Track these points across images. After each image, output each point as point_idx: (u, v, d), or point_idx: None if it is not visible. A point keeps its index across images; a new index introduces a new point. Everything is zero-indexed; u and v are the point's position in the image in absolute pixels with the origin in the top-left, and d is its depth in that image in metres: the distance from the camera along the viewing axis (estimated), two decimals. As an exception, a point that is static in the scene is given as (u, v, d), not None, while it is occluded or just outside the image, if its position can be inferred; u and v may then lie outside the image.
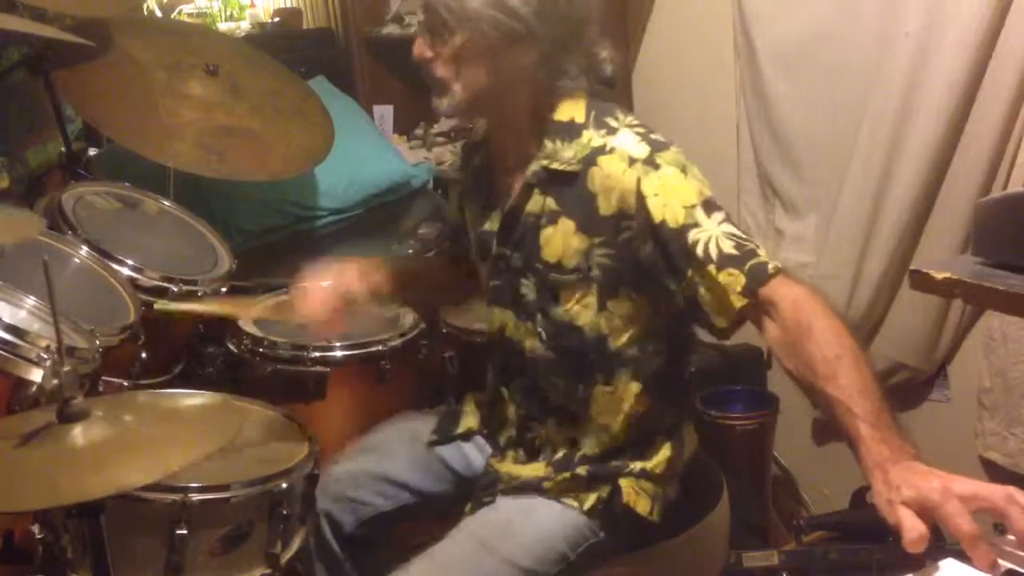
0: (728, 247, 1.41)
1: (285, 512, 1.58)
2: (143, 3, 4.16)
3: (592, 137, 1.52)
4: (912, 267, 1.41)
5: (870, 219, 2.26)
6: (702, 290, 1.42)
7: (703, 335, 1.58)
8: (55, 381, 1.29)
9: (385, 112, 3.34)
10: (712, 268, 1.40)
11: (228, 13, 4.71)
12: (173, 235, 2.32)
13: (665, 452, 1.61)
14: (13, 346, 1.58)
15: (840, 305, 2.22)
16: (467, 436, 1.78)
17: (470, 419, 1.79)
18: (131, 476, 1.25)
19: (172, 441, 1.34)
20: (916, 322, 2.27)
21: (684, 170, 1.47)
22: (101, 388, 1.76)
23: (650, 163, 1.47)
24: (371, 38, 3.49)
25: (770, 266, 1.40)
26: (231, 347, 2.12)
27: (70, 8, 2.49)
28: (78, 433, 1.26)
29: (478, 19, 1.46)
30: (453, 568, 1.52)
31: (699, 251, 1.41)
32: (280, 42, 3.69)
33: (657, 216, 1.44)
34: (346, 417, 2.02)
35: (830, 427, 1.30)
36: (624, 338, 1.56)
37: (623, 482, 1.59)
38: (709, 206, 1.44)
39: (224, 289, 2.20)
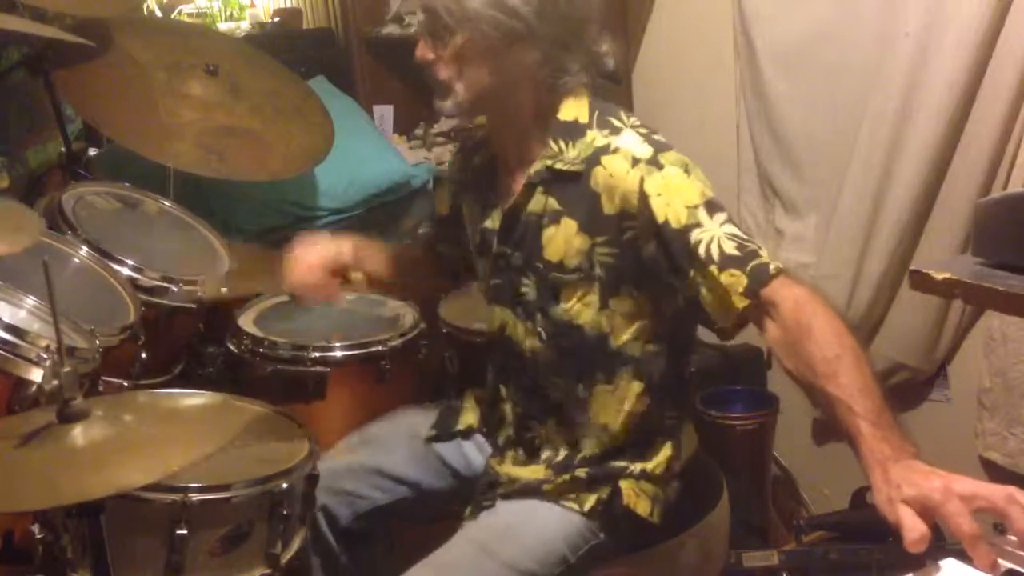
0: (730, 248, 1.41)
1: (285, 512, 1.57)
2: (143, 3, 4.16)
3: (596, 137, 1.52)
4: (912, 267, 1.41)
5: (870, 219, 2.26)
6: (704, 290, 1.42)
7: (704, 335, 1.58)
8: (55, 381, 1.29)
9: (385, 112, 3.33)
10: (714, 269, 1.41)
11: (228, 13, 4.71)
12: (173, 235, 2.32)
13: (665, 452, 1.61)
14: (13, 346, 1.58)
15: (840, 305, 2.22)
16: (467, 434, 1.78)
17: (469, 416, 1.79)
18: (131, 476, 1.25)
19: (172, 441, 1.34)
20: (916, 322, 2.27)
21: (687, 170, 1.47)
22: (101, 388, 1.76)
23: (654, 163, 1.47)
24: (371, 38, 3.49)
25: (772, 267, 1.40)
26: (231, 347, 2.12)
27: (70, 8, 2.50)
28: (78, 433, 1.27)
29: (478, 19, 1.46)
30: (454, 573, 1.52)
31: (701, 251, 1.41)
32: (280, 42, 3.69)
33: (660, 216, 1.44)
34: (346, 417, 2.02)
35: (830, 427, 1.30)
36: (625, 336, 1.56)
37: (623, 484, 1.59)
38: (712, 207, 1.45)
39: (224, 289, 2.19)
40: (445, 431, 1.78)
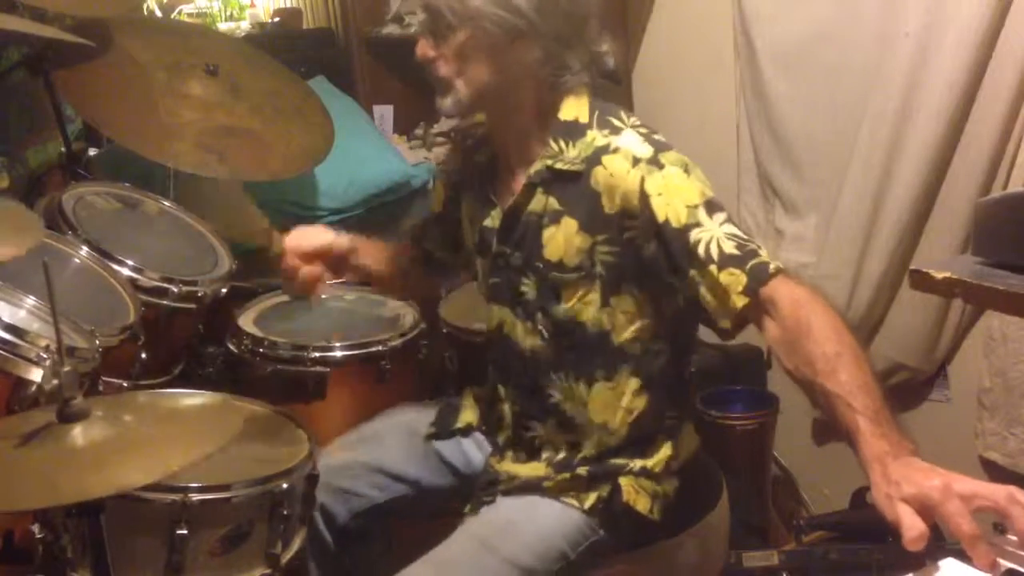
0: (729, 247, 1.41)
1: (285, 512, 1.57)
2: (143, 3, 4.15)
3: (596, 137, 1.52)
4: (912, 267, 1.41)
5: (870, 219, 2.26)
6: (703, 290, 1.42)
7: (704, 335, 1.58)
8: (55, 381, 1.29)
9: (385, 112, 3.33)
10: (713, 268, 1.41)
11: (228, 13, 4.71)
12: (173, 235, 2.32)
13: (665, 451, 1.61)
14: (13, 346, 1.58)
15: (840, 305, 2.21)
16: (466, 431, 1.78)
17: (469, 414, 1.79)
18: (131, 476, 1.25)
19: (172, 441, 1.34)
20: (916, 322, 2.27)
21: (687, 170, 1.48)
22: (101, 388, 1.76)
23: (654, 163, 1.47)
24: (371, 38, 3.49)
25: (771, 266, 1.40)
26: (231, 347, 2.12)
27: (70, 8, 2.49)
28: (78, 433, 1.26)
29: (480, 17, 1.46)
30: (454, 569, 1.52)
31: (700, 251, 1.42)
32: (280, 42, 3.69)
33: (660, 216, 1.44)
34: (346, 417, 2.02)
35: (830, 426, 1.30)
36: (627, 334, 1.56)
37: (623, 481, 1.59)
38: (711, 206, 1.45)
39: (224, 289, 2.20)
40: (444, 429, 1.78)
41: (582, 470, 1.60)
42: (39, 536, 1.50)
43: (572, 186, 1.53)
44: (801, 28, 2.39)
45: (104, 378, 1.78)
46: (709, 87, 2.74)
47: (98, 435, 1.27)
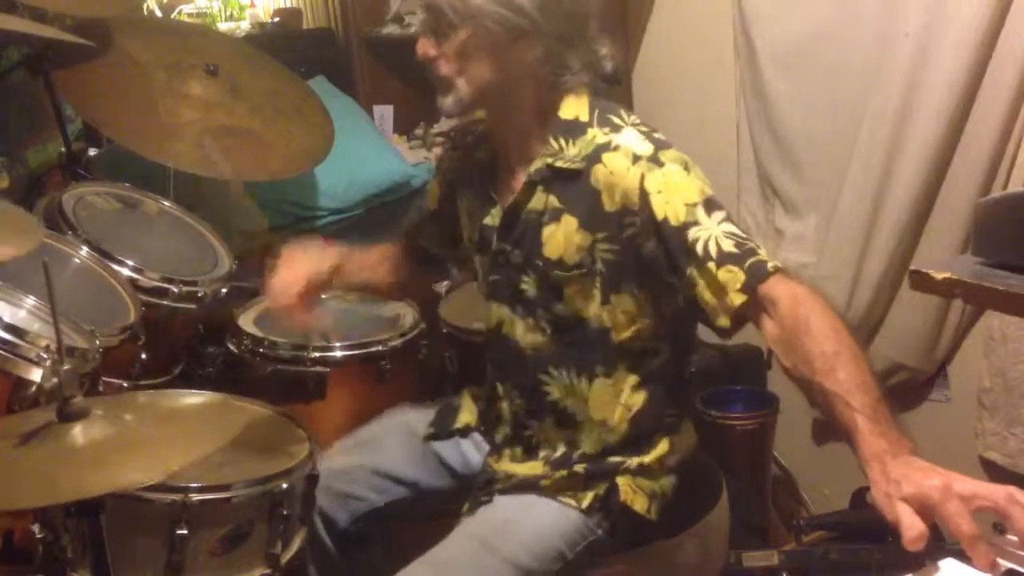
0: (728, 245, 1.41)
1: (285, 512, 1.58)
2: (143, 3, 4.15)
3: (597, 135, 1.53)
4: (912, 267, 1.41)
5: (870, 219, 2.26)
6: (701, 287, 1.42)
7: (704, 335, 1.58)
8: (55, 380, 1.29)
9: (385, 112, 3.34)
10: (712, 266, 1.41)
11: (228, 13, 4.71)
12: (173, 235, 2.32)
13: (661, 447, 1.61)
14: (13, 346, 1.58)
15: (840, 305, 2.22)
16: (464, 432, 1.78)
17: (467, 414, 1.79)
18: (131, 475, 1.25)
19: (172, 441, 1.34)
20: (916, 322, 2.27)
21: (687, 168, 1.48)
22: (101, 388, 1.76)
23: (654, 160, 1.47)
24: (371, 38, 3.49)
25: (769, 265, 1.40)
26: (231, 347, 2.12)
27: (70, 8, 2.49)
28: (78, 432, 1.26)
29: (482, 15, 1.46)
30: (453, 569, 1.52)
31: (699, 249, 1.42)
32: (280, 42, 3.69)
33: (660, 213, 1.44)
34: (346, 417, 2.02)
35: (829, 426, 1.30)
36: (627, 333, 1.56)
37: (620, 480, 1.59)
38: (710, 205, 1.45)
39: (224, 289, 2.20)
40: (443, 430, 1.78)
41: (579, 468, 1.60)
42: (39, 536, 1.51)
43: (572, 184, 1.53)
44: (801, 28, 2.39)
45: (104, 378, 1.78)
46: (709, 87, 2.74)
47: (98, 434, 1.27)
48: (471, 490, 1.68)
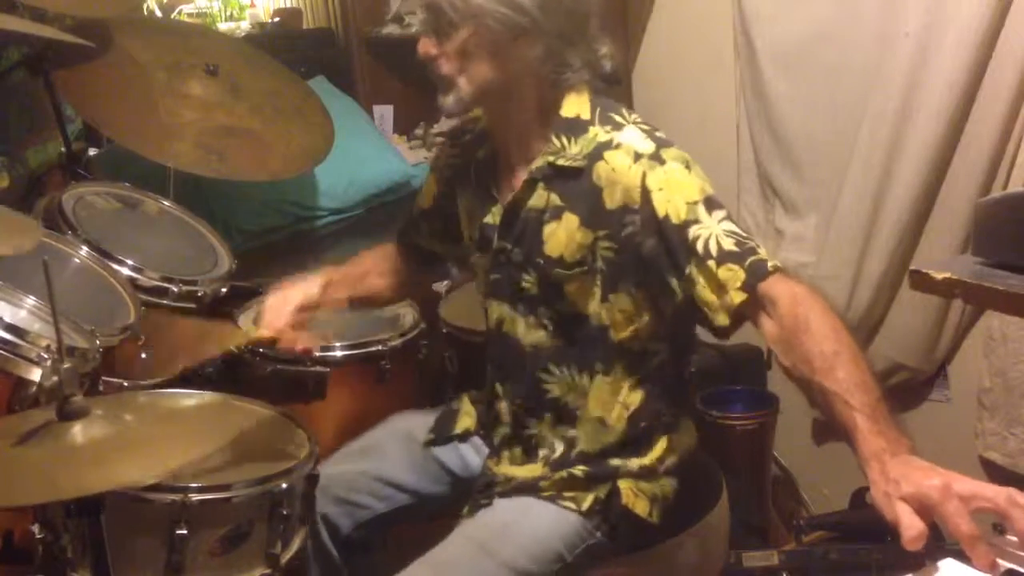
0: (728, 244, 1.42)
1: (285, 512, 1.57)
2: (143, 3, 4.16)
3: (598, 133, 1.53)
4: (912, 267, 1.41)
5: (870, 219, 2.26)
6: (701, 286, 1.43)
7: (705, 335, 1.58)
8: (55, 378, 1.29)
9: (385, 112, 3.34)
10: (712, 264, 1.41)
11: (228, 13, 4.71)
12: (173, 235, 2.32)
13: (660, 447, 1.61)
14: (13, 346, 1.58)
15: (840, 305, 2.22)
16: (464, 437, 1.78)
17: (466, 419, 1.79)
18: (130, 473, 1.25)
19: (171, 440, 1.34)
20: (916, 322, 2.27)
21: (688, 167, 1.48)
22: (101, 388, 1.76)
23: (656, 158, 1.48)
24: (371, 38, 3.49)
25: (769, 264, 1.40)
26: (231, 347, 2.11)
27: (70, 8, 2.50)
28: (77, 431, 1.26)
29: (483, 14, 1.46)
30: (451, 570, 1.52)
31: (699, 247, 1.42)
32: (280, 42, 3.69)
33: (661, 211, 1.45)
34: (346, 417, 2.02)
35: (829, 426, 1.30)
36: (625, 333, 1.56)
37: (622, 483, 1.59)
38: (711, 203, 1.45)
39: (224, 289, 2.19)
40: (443, 435, 1.78)
41: (578, 470, 1.60)
42: (39, 536, 1.50)
43: (573, 182, 1.53)
44: (801, 28, 2.39)
45: (104, 378, 1.78)
46: (709, 87, 2.74)
47: (98, 433, 1.27)
48: (471, 493, 1.67)
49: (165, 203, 2.37)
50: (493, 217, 1.64)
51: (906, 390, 2.34)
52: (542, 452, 1.65)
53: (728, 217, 1.45)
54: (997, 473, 2.16)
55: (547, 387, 1.62)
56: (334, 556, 1.74)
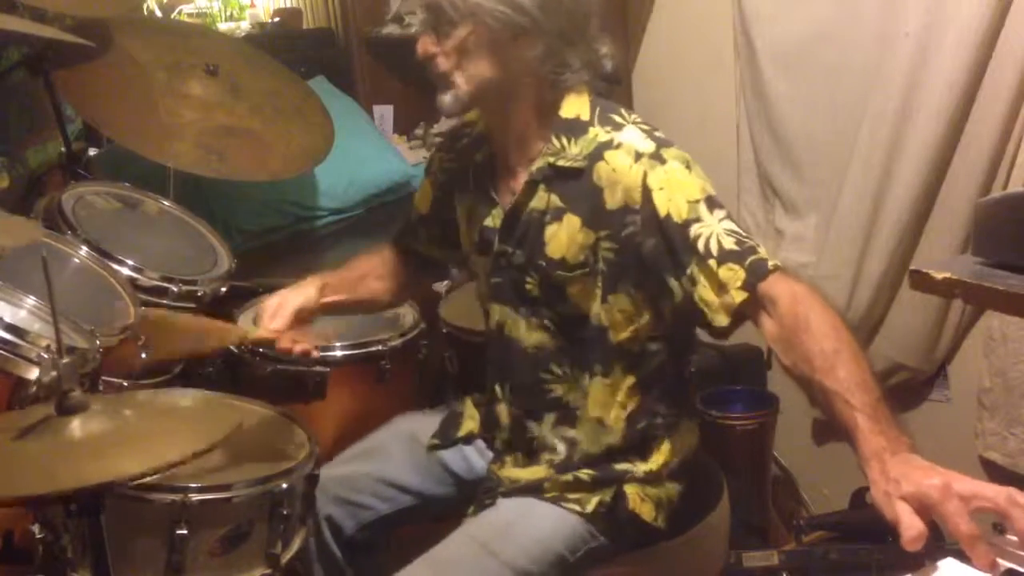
0: (729, 243, 1.42)
1: (285, 512, 1.57)
2: (143, 3, 4.16)
3: (598, 133, 1.53)
4: (912, 267, 1.41)
5: (870, 219, 2.26)
6: (702, 284, 1.43)
7: (704, 335, 1.58)
8: (53, 372, 1.29)
9: (385, 112, 3.34)
10: (713, 263, 1.41)
11: (228, 13, 4.72)
12: (173, 235, 2.32)
13: (663, 451, 1.61)
14: (13, 346, 1.58)
15: (840, 305, 2.22)
16: (467, 440, 1.78)
17: (470, 423, 1.79)
18: (128, 466, 1.24)
19: (170, 435, 1.34)
20: (916, 322, 2.27)
21: (688, 166, 1.48)
22: (101, 388, 1.76)
23: (656, 158, 1.48)
24: (371, 38, 3.49)
25: (770, 263, 1.40)
26: (231, 347, 2.11)
27: (70, 8, 2.49)
28: (76, 426, 1.26)
29: (482, 12, 1.46)
30: (452, 569, 1.52)
31: (700, 246, 1.42)
32: (280, 42, 3.70)
33: (662, 210, 1.45)
34: (346, 417, 2.02)
35: (830, 426, 1.30)
36: (625, 334, 1.56)
37: (628, 488, 1.59)
38: (712, 203, 1.45)
39: (224, 289, 2.19)
40: (446, 439, 1.78)
41: (584, 473, 1.60)
42: (39, 536, 1.50)
43: (574, 183, 1.53)
44: (801, 28, 2.39)
45: (104, 378, 1.78)
46: (709, 87, 2.74)
47: (96, 428, 1.27)
48: (476, 496, 1.67)
49: (165, 203, 2.36)
50: (493, 220, 1.63)
51: (906, 390, 2.34)
52: (544, 454, 1.65)
53: (728, 216, 1.46)
54: (997, 473, 2.16)
55: (550, 387, 1.62)
56: (338, 557, 1.74)
